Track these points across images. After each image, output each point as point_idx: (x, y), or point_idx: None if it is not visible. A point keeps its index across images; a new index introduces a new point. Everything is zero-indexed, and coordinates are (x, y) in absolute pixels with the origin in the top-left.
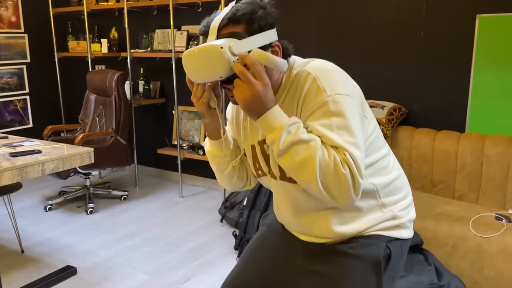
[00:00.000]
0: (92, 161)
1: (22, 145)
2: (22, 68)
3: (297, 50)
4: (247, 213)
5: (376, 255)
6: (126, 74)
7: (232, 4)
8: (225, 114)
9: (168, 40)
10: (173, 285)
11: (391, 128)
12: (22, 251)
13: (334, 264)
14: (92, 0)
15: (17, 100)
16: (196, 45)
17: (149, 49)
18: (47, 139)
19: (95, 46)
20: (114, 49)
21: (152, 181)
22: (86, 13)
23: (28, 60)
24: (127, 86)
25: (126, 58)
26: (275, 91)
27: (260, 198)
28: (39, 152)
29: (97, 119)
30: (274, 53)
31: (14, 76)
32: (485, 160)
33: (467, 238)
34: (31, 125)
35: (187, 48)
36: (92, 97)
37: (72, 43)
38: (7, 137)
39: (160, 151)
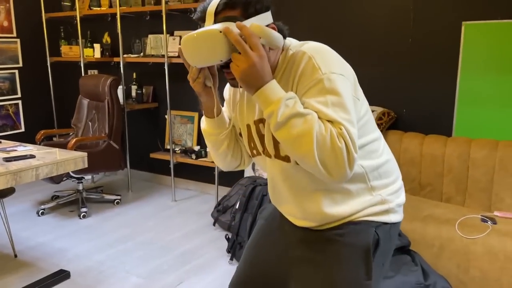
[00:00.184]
0: (86, 165)
1: (16, 150)
2: (14, 73)
3: None
4: (239, 216)
5: (365, 242)
6: (119, 79)
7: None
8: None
9: (160, 45)
10: (167, 287)
11: (380, 131)
12: (15, 256)
13: (326, 252)
14: (85, 5)
15: (9, 104)
16: None
17: (142, 54)
18: (39, 144)
19: (88, 51)
20: (107, 54)
21: (144, 185)
22: (79, 18)
23: (20, 64)
24: (120, 90)
25: (118, 62)
26: (272, 71)
27: (252, 202)
28: (33, 157)
29: (90, 123)
30: None
31: (6, 80)
32: (471, 164)
33: (453, 240)
34: (23, 129)
35: (179, 54)
36: (85, 101)
37: (64, 48)
38: (0, 142)
39: (153, 155)
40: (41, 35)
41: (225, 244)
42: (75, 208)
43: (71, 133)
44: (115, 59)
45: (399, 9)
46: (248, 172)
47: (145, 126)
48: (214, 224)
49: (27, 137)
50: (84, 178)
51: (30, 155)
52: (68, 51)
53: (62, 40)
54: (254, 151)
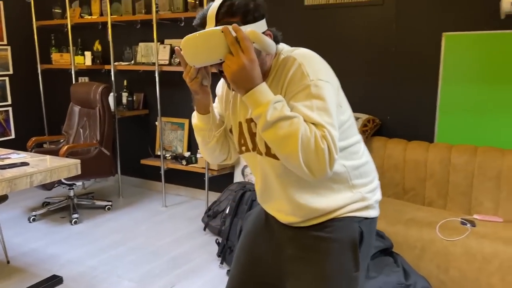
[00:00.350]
0: (79, 172)
1: (10, 158)
2: (5, 80)
3: None
4: (229, 221)
5: (352, 236)
6: (110, 86)
7: (213, 28)
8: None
9: (151, 53)
10: None
11: (365, 138)
12: (8, 262)
13: (317, 248)
14: (76, 13)
15: None
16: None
17: (132, 61)
18: (31, 151)
19: (79, 59)
20: (98, 61)
21: (135, 191)
22: (70, 26)
23: (11, 72)
24: (111, 98)
25: (109, 70)
26: (266, 75)
27: (242, 207)
28: (27, 164)
29: (81, 130)
30: None
31: None
32: (452, 169)
33: (434, 242)
34: (13, 136)
35: (170, 62)
36: (76, 108)
37: (55, 56)
38: None
39: (143, 161)
40: (32, 43)
41: (215, 248)
42: (66, 214)
43: (61, 140)
44: (106, 67)
45: (383, 21)
46: (238, 178)
47: (136, 132)
48: (204, 229)
49: (17, 144)
50: (75, 184)
51: (24, 162)
52: (59, 59)
53: (53, 48)
54: (243, 148)
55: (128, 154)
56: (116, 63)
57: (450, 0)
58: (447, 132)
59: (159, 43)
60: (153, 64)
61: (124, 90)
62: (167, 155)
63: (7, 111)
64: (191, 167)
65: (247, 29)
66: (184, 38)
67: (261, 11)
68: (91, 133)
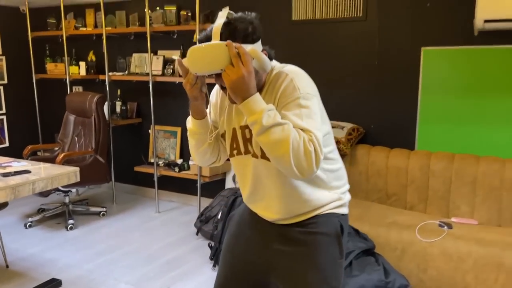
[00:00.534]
0: (78, 179)
1: (11, 166)
2: (0, 89)
3: None
4: (221, 225)
5: (335, 229)
6: (105, 96)
7: (226, 10)
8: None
9: (144, 63)
10: None
11: (350, 146)
12: (7, 266)
13: (305, 242)
14: (71, 25)
15: None
16: (172, 69)
17: (126, 72)
18: (27, 158)
19: (73, 69)
20: (92, 71)
21: (128, 198)
22: (65, 38)
23: (5, 81)
24: (105, 107)
25: (102, 80)
26: (261, 88)
27: (234, 211)
28: (29, 172)
29: (76, 138)
30: None
31: None
32: (431, 175)
33: (413, 243)
34: (7, 144)
35: (163, 72)
36: (72, 117)
37: (50, 65)
38: None
39: (137, 168)
40: (27, 53)
41: (208, 252)
42: (61, 220)
43: (56, 148)
44: (101, 77)
45: (366, 36)
46: (229, 184)
47: (129, 140)
48: (197, 234)
49: (11, 152)
50: (70, 191)
51: (26, 170)
52: (54, 69)
53: (48, 58)
54: (235, 152)
55: (121, 161)
56: (110, 73)
57: (428, 17)
58: (427, 140)
59: (152, 54)
60: (147, 74)
61: (118, 99)
62: (160, 162)
63: (2, 119)
64: (184, 174)
65: (247, 47)
66: (190, 48)
67: (258, 34)
68: (86, 141)
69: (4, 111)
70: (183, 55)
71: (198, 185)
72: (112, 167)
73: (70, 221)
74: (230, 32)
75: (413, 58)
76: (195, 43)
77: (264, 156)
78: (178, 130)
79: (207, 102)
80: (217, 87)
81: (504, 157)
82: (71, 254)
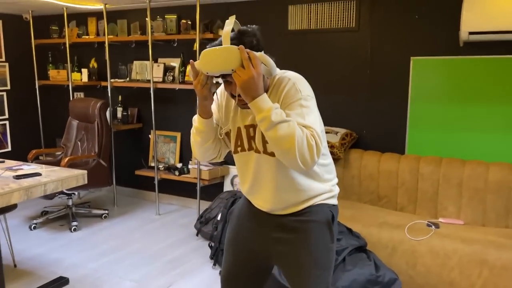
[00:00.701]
0: (86, 182)
1: (22, 169)
2: (2, 95)
3: None
4: (221, 226)
5: (327, 217)
6: (107, 102)
7: (232, 18)
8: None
9: (145, 70)
10: None
11: (343, 150)
12: (15, 266)
13: (299, 229)
14: (73, 33)
15: None
16: (173, 76)
17: (128, 78)
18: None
19: (76, 75)
20: (94, 78)
21: (129, 201)
22: (68, 45)
23: (8, 87)
24: (107, 113)
25: (103, 86)
26: (265, 91)
27: None
28: (40, 174)
29: (79, 143)
30: None
31: None
32: (420, 177)
33: (403, 242)
34: (9, 149)
35: (163, 79)
36: (74, 123)
37: (52, 72)
38: (3, 161)
39: (138, 172)
40: (29, 60)
41: (208, 251)
42: (64, 222)
43: (58, 153)
44: (103, 83)
45: (358, 45)
46: (227, 187)
47: (130, 145)
48: (197, 235)
49: (13, 156)
50: (74, 194)
51: (37, 173)
52: (56, 75)
53: (50, 65)
54: (239, 148)
55: (122, 165)
56: (112, 80)
57: (417, 29)
58: (416, 145)
59: (153, 61)
60: (148, 81)
61: (119, 105)
62: (160, 166)
63: (4, 124)
64: (184, 177)
65: (256, 53)
66: (204, 50)
67: (261, 44)
68: (89, 145)
69: (6, 116)
70: (184, 63)
71: (198, 188)
72: (113, 171)
73: (74, 223)
74: (238, 45)
75: (403, 67)
76: (195, 51)
77: (265, 151)
78: (178, 135)
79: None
80: (219, 90)
81: (488, 160)
82: (76, 254)
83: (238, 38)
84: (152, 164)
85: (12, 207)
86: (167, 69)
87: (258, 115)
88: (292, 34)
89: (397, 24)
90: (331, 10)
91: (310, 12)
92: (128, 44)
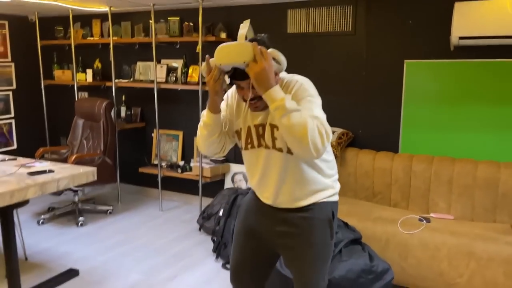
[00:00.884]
0: (95, 178)
1: (35, 166)
2: (9, 94)
3: None
4: (223, 221)
5: (328, 216)
6: (112, 102)
7: (247, 22)
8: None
9: (149, 71)
10: (164, 281)
11: (340, 149)
12: (26, 258)
13: (302, 226)
14: (78, 34)
15: (3, 124)
16: (175, 77)
17: (131, 79)
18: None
19: (80, 75)
20: (98, 78)
21: (132, 197)
22: (73, 46)
23: (14, 86)
24: (112, 112)
25: (107, 86)
26: None
27: (235, 208)
28: (53, 171)
29: (85, 141)
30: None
31: (0, 101)
32: (413, 175)
33: (396, 235)
34: (15, 146)
35: (166, 80)
36: (80, 121)
37: (57, 72)
38: (15, 159)
39: (142, 169)
40: (35, 60)
41: (210, 246)
42: (71, 218)
43: (63, 151)
44: (107, 84)
45: (354, 49)
46: (228, 184)
47: (133, 143)
48: (199, 230)
49: (19, 153)
50: (81, 190)
51: (50, 170)
52: (61, 75)
53: (55, 65)
54: (249, 146)
55: (125, 163)
56: (116, 80)
57: (410, 33)
58: (409, 144)
59: (156, 62)
60: (151, 81)
61: (123, 104)
62: (163, 164)
63: (10, 123)
64: (186, 175)
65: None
66: (220, 45)
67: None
68: (95, 143)
69: (12, 115)
70: (186, 64)
71: (200, 185)
72: (117, 168)
73: (81, 218)
74: None
75: (397, 70)
76: (198, 53)
77: (274, 147)
78: (180, 134)
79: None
80: (230, 91)
81: (477, 159)
82: (84, 248)
83: None
84: (155, 162)
85: (25, 202)
86: (170, 70)
87: (272, 104)
88: (291, 37)
89: (392, 28)
90: (329, 15)
91: (309, 16)
92: (131, 46)
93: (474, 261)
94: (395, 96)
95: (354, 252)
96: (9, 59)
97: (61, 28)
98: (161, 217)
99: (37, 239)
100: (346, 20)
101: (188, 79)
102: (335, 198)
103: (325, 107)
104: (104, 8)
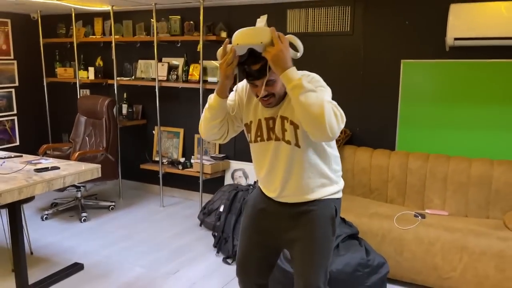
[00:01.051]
0: (100, 175)
1: (41, 162)
2: (11, 92)
3: None
4: (224, 217)
5: (331, 213)
6: (115, 99)
7: (265, 17)
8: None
9: (150, 69)
10: (166, 275)
11: (338, 147)
12: (31, 253)
13: (306, 221)
14: (81, 33)
15: (6, 120)
16: (176, 75)
17: (133, 77)
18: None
19: (82, 73)
20: (100, 76)
21: (134, 193)
22: (75, 45)
23: (17, 84)
24: (114, 109)
25: (109, 83)
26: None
27: (235, 204)
28: (58, 168)
29: (87, 138)
30: None
31: (3, 98)
32: (409, 172)
33: (392, 230)
34: (17, 143)
35: (167, 78)
36: (83, 119)
37: (59, 70)
38: (21, 156)
39: (143, 166)
40: (37, 58)
41: (211, 241)
42: (74, 213)
43: (65, 147)
44: (109, 81)
45: (352, 48)
46: (228, 181)
47: (134, 140)
48: (200, 225)
49: (21, 150)
50: (84, 186)
51: (56, 166)
52: (63, 73)
53: (57, 63)
54: (259, 138)
55: (127, 159)
56: (118, 78)
57: (407, 34)
58: (406, 142)
59: (157, 61)
60: (153, 79)
61: (125, 102)
62: (164, 161)
63: (13, 120)
64: (187, 171)
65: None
66: (239, 29)
67: None
68: (97, 140)
69: (15, 112)
70: (187, 63)
71: (200, 181)
72: (119, 165)
73: (84, 214)
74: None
75: (394, 69)
76: (199, 52)
77: (283, 139)
78: (181, 131)
79: (234, 85)
80: (240, 85)
81: (471, 157)
82: (88, 242)
83: None
84: (156, 159)
85: (31, 198)
86: (171, 68)
87: (289, 84)
88: None
89: (389, 29)
90: (327, 15)
91: (308, 16)
92: (133, 44)
93: (466, 256)
94: (392, 95)
95: (351, 247)
96: (12, 56)
97: (63, 26)
98: (162, 213)
99: (41, 234)
100: (344, 20)
101: (189, 77)
102: (339, 195)
103: None
104: (106, 7)
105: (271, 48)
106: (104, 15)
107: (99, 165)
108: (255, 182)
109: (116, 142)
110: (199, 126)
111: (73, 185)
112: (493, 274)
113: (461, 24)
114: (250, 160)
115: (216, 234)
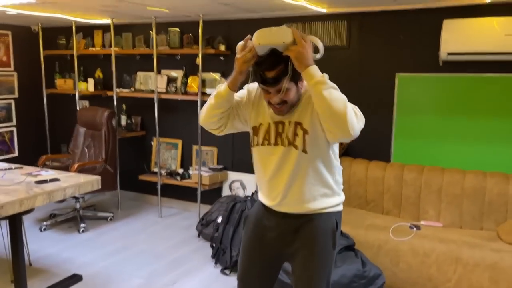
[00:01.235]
0: (100, 187)
1: (41, 174)
2: (11, 103)
3: None
4: (222, 228)
5: (332, 226)
6: (114, 111)
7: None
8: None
9: (149, 81)
10: (165, 286)
11: None
12: (30, 264)
13: (308, 235)
14: (81, 45)
15: (5, 131)
16: (175, 87)
17: (132, 88)
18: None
19: (82, 85)
20: (99, 87)
21: (132, 204)
22: (76, 57)
23: (17, 95)
24: (113, 121)
25: (108, 95)
26: (301, 95)
27: (233, 215)
28: (59, 180)
29: (86, 149)
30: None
31: (3, 109)
32: (404, 184)
33: (388, 242)
34: (16, 154)
35: (166, 90)
36: (82, 130)
37: (59, 81)
38: (22, 167)
39: (142, 177)
40: (37, 69)
41: (209, 252)
42: (72, 224)
43: (64, 158)
44: (109, 93)
45: (348, 62)
46: (226, 192)
47: (133, 151)
48: (198, 236)
49: (20, 161)
50: (83, 197)
51: (56, 178)
52: (63, 84)
53: (57, 74)
54: (266, 142)
55: (126, 170)
56: (117, 90)
57: (401, 48)
58: (401, 154)
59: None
60: (152, 91)
61: (124, 113)
62: (162, 172)
63: (12, 131)
64: (185, 182)
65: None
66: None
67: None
68: (96, 151)
69: (14, 123)
70: (186, 75)
71: (198, 192)
72: (117, 176)
73: (82, 225)
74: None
75: (389, 83)
76: (197, 65)
77: (292, 143)
78: (179, 142)
79: (246, 81)
80: (251, 86)
81: (465, 169)
82: (87, 253)
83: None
84: (155, 170)
85: (30, 209)
86: (170, 80)
87: (311, 80)
88: None
89: (384, 43)
90: (324, 29)
91: (305, 30)
92: (132, 56)
93: (461, 267)
94: (387, 108)
95: (347, 258)
96: (12, 68)
97: (64, 38)
98: (161, 224)
99: (40, 245)
100: (340, 35)
101: (188, 89)
102: (340, 207)
103: None
104: (107, 20)
105: (294, 47)
106: (104, 28)
107: (99, 177)
108: (253, 194)
109: (115, 153)
110: (200, 112)
111: (74, 196)
112: (487, 286)
113: (454, 39)
114: (248, 171)
115: (214, 245)
